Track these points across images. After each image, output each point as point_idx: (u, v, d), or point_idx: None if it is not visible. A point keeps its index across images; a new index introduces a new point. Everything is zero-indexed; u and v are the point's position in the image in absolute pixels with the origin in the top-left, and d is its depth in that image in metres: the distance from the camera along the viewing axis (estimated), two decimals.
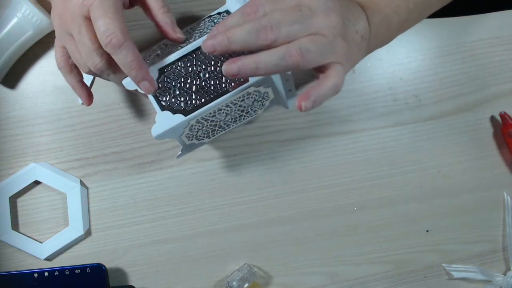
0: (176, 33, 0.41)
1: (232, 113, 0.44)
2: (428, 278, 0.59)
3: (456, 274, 0.58)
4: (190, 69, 0.41)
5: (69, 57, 0.42)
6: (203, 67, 0.41)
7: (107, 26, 0.36)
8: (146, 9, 0.42)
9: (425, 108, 0.58)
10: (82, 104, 0.53)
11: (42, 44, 0.51)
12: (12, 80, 0.52)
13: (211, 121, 0.44)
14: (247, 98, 0.43)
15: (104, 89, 0.53)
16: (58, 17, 0.40)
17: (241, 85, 0.41)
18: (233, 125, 0.47)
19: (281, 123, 0.56)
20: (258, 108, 0.46)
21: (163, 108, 0.42)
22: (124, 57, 0.37)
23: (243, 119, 0.47)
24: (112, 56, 0.38)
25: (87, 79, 0.53)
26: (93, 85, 0.53)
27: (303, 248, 0.57)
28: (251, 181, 0.56)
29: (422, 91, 0.58)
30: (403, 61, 0.58)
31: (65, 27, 0.39)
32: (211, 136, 0.46)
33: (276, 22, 0.35)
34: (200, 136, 0.45)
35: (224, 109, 0.43)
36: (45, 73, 0.53)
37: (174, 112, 0.41)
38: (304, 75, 0.56)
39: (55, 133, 0.53)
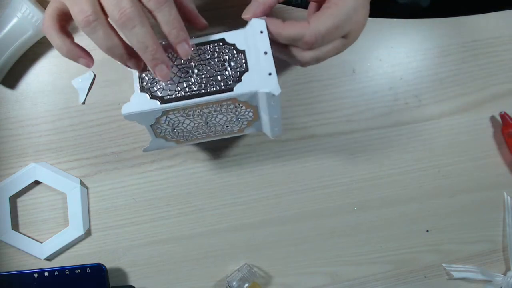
0: (202, 21, 0.41)
1: (209, 123, 0.44)
2: (428, 278, 0.59)
3: (456, 274, 0.58)
4: (183, 63, 0.41)
5: (62, 15, 0.38)
6: (195, 65, 0.41)
7: None
8: None
9: (425, 108, 0.58)
10: (82, 103, 0.53)
11: (42, 44, 0.52)
12: (12, 80, 0.52)
13: (183, 123, 0.43)
14: (227, 112, 0.42)
15: (104, 89, 0.53)
16: None
17: (224, 92, 0.40)
18: (207, 135, 0.46)
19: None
20: (237, 127, 0.45)
21: (142, 89, 0.41)
22: (168, 13, 0.35)
23: (220, 133, 0.46)
24: (153, 13, 0.35)
25: (87, 79, 0.53)
26: (93, 85, 0.53)
27: (303, 248, 0.57)
28: (251, 181, 0.56)
29: (422, 91, 0.58)
30: (403, 61, 0.58)
31: None
32: (181, 138, 0.45)
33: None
34: (168, 137, 0.45)
35: (200, 113, 0.42)
36: (45, 73, 0.53)
37: (152, 97, 0.40)
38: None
39: (55, 133, 0.53)
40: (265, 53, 0.40)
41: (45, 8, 0.50)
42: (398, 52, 0.58)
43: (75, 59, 0.39)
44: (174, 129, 0.44)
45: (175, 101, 0.40)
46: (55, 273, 0.51)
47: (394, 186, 0.58)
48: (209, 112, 0.42)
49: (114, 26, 0.36)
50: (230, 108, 0.42)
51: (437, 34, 0.58)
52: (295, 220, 0.57)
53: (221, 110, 0.42)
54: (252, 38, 0.41)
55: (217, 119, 0.44)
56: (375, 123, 0.57)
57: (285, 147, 0.56)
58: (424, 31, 0.58)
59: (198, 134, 0.46)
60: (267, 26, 0.40)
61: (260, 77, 0.40)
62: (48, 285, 0.51)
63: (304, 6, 0.63)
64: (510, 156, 0.59)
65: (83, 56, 0.39)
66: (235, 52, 0.41)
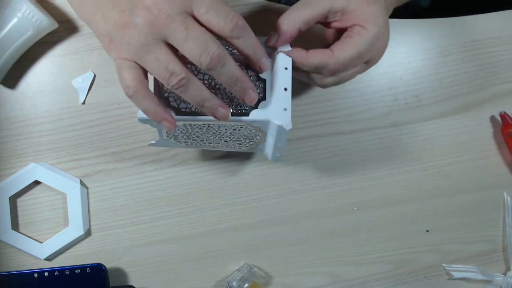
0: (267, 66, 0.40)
1: (218, 135, 0.44)
2: (428, 278, 0.59)
3: (456, 274, 0.58)
4: (206, 79, 0.41)
5: (144, 79, 0.37)
6: (215, 83, 0.41)
7: (226, 12, 0.35)
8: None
9: (425, 108, 0.58)
10: (82, 103, 0.53)
11: (42, 44, 0.51)
12: (12, 80, 0.52)
13: (196, 132, 0.44)
14: (238, 130, 0.43)
15: (104, 89, 0.53)
16: (145, 26, 0.35)
17: (240, 115, 0.41)
18: (212, 146, 0.47)
19: None
20: (243, 145, 0.46)
21: (160, 97, 0.41)
22: (248, 38, 0.37)
23: (225, 146, 0.47)
24: (236, 40, 0.36)
25: (87, 79, 0.53)
26: (93, 85, 0.53)
27: (303, 248, 0.57)
28: (251, 181, 0.56)
29: (422, 91, 0.58)
30: (403, 61, 0.58)
31: (157, 33, 0.35)
32: (188, 143, 0.46)
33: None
34: (178, 138, 0.45)
35: (213, 128, 0.43)
36: (45, 73, 0.53)
37: (168, 105, 0.41)
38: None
39: (55, 133, 0.53)
40: (285, 89, 0.41)
41: (45, 8, 0.50)
42: (398, 52, 0.58)
43: (160, 122, 0.39)
44: (184, 136, 0.45)
45: (190, 115, 0.41)
46: (55, 273, 0.51)
47: (394, 186, 0.58)
48: (219, 127, 0.43)
49: (202, 70, 0.37)
50: (241, 129, 0.43)
51: (437, 34, 0.58)
52: (295, 220, 0.57)
53: (232, 128, 0.43)
54: (275, 70, 0.41)
55: (226, 134, 0.44)
56: (375, 123, 0.57)
57: (285, 147, 0.56)
58: (424, 31, 0.58)
59: (205, 143, 0.46)
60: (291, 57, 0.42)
61: (276, 109, 0.41)
62: (48, 285, 0.51)
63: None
64: (510, 156, 0.59)
65: (168, 119, 0.39)
66: (257, 79, 0.42)
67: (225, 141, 0.46)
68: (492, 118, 0.59)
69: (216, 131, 0.44)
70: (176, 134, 0.45)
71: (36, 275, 0.51)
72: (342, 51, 0.41)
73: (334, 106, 0.57)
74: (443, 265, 0.59)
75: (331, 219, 0.57)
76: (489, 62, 0.59)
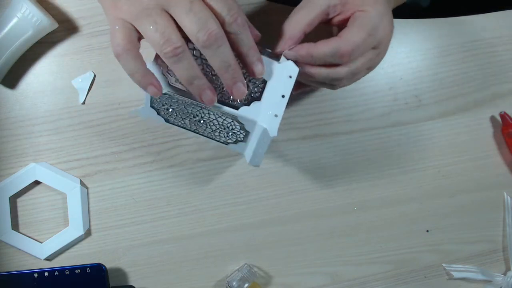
0: (255, 32, 0.41)
1: (202, 118, 0.44)
2: (428, 278, 0.59)
3: (456, 274, 0.58)
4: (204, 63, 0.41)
5: (136, 42, 0.37)
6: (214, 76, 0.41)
7: (232, 4, 0.35)
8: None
9: (425, 108, 0.58)
10: (82, 103, 0.53)
11: (42, 44, 0.52)
12: (12, 80, 0.52)
13: (181, 109, 0.43)
14: (223, 121, 0.43)
15: (104, 89, 0.53)
16: None
17: (228, 106, 0.40)
18: (195, 129, 0.46)
19: (281, 123, 0.56)
20: (224, 138, 0.46)
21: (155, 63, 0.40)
22: (245, 38, 0.37)
23: (207, 133, 0.46)
24: (232, 35, 0.36)
25: (87, 79, 0.53)
26: (93, 85, 0.53)
27: (303, 248, 0.57)
28: (251, 181, 0.56)
29: (422, 91, 0.58)
30: (403, 61, 0.58)
31: (160, 1, 0.35)
32: (170, 120, 0.45)
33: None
34: (162, 113, 0.44)
35: (199, 110, 0.42)
36: (45, 73, 0.53)
37: (162, 76, 0.40)
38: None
39: (55, 133, 0.53)
40: (283, 96, 0.41)
41: (45, 8, 0.50)
42: (398, 52, 0.58)
43: (145, 86, 0.37)
44: (169, 109, 0.44)
45: (182, 92, 0.40)
46: (55, 273, 0.51)
47: (394, 186, 0.58)
48: (208, 113, 0.43)
49: (198, 47, 0.36)
50: (227, 121, 0.43)
51: (437, 34, 0.58)
52: (295, 220, 0.57)
53: (219, 118, 0.43)
54: (279, 75, 0.41)
55: (212, 122, 0.44)
56: (375, 123, 0.57)
57: (285, 147, 0.56)
58: (424, 31, 0.58)
59: (188, 123, 0.46)
60: (297, 57, 0.41)
61: (267, 113, 0.40)
62: (48, 285, 0.51)
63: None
64: (510, 156, 0.59)
65: (154, 83, 0.37)
66: (262, 80, 0.41)
67: (208, 126, 0.45)
68: (492, 118, 0.59)
69: (202, 116, 0.43)
70: (159, 107, 0.44)
71: (36, 275, 0.51)
72: (351, 33, 0.40)
73: (334, 106, 0.57)
74: (443, 265, 0.59)
75: (331, 219, 0.57)
76: (489, 62, 0.59)
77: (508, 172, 0.60)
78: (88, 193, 0.54)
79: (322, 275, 0.57)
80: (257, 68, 0.39)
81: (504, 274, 0.59)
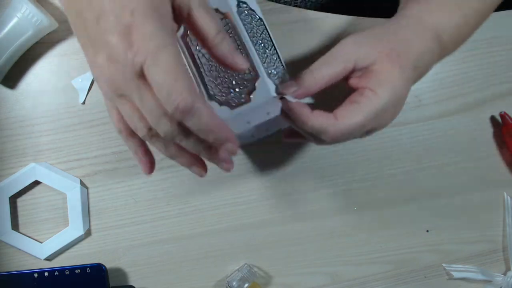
0: (238, 64, 0.34)
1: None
2: (428, 278, 0.59)
3: (456, 274, 0.58)
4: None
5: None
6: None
7: (169, 88, 0.29)
8: (197, 36, 0.34)
9: (425, 108, 0.58)
10: (82, 103, 0.53)
11: (42, 44, 0.52)
12: (12, 80, 0.52)
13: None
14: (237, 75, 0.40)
15: None
16: (105, 81, 0.32)
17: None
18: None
19: None
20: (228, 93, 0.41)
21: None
22: (197, 122, 0.31)
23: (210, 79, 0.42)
24: (184, 123, 0.31)
25: (87, 79, 0.53)
26: (93, 85, 0.53)
27: (303, 248, 0.57)
28: (251, 181, 0.56)
29: (422, 91, 0.58)
30: None
31: (117, 90, 0.31)
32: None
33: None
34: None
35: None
36: (45, 73, 0.53)
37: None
38: None
39: (55, 133, 0.53)
40: (248, 122, 0.40)
41: (45, 8, 0.50)
42: None
43: (138, 161, 0.39)
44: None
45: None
46: (55, 273, 0.51)
47: (394, 186, 0.58)
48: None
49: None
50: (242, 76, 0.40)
51: None
52: (295, 220, 0.57)
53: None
54: (261, 103, 0.39)
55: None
56: None
57: (285, 147, 0.56)
58: None
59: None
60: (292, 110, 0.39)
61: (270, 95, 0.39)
62: (48, 285, 0.51)
63: (304, 6, 0.63)
64: (510, 156, 0.59)
65: (143, 163, 0.39)
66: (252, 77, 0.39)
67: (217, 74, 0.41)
68: (492, 118, 0.59)
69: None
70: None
71: (36, 275, 0.51)
72: (346, 118, 0.38)
73: (335, 107, 0.57)
74: (443, 265, 0.59)
75: (331, 219, 0.57)
76: (489, 62, 0.59)
77: (508, 172, 0.60)
78: (88, 193, 0.54)
79: (322, 275, 0.57)
80: (224, 152, 0.34)
81: (504, 274, 0.59)
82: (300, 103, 0.39)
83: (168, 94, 0.29)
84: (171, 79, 0.29)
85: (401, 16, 0.41)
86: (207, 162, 0.37)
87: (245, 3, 0.42)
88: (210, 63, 0.40)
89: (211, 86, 0.40)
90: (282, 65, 0.44)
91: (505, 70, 0.59)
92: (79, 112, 0.53)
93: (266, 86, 0.38)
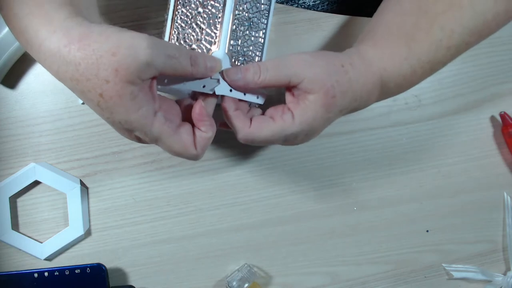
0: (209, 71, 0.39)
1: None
2: (428, 278, 0.59)
3: (456, 274, 0.58)
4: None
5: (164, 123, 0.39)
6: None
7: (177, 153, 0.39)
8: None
9: (425, 108, 0.58)
10: (82, 103, 0.53)
11: None
12: (12, 80, 0.52)
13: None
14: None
15: None
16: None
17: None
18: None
19: None
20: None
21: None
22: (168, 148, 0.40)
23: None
24: None
25: None
26: None
27: (303, 248, 0.57)
28: (251, 181, 0.56)
29: (422, 91, 0.58)
30: None
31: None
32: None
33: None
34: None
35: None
36: (45, 73, 0.52)
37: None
38: None
39: (55, 133, 0.53)
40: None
41: None
42: None
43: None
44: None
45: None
46: (55, 273, 0.51)
47: (394, 186, 0.58)
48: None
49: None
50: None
51: None
52: (295, 220, 0.57)
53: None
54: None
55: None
56: (375, 123, 0.57)
57: (285, 147, 0.56)
58: None
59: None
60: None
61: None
62: (48, 285, 0.51)
63: (306, 7, 0.63)
64: (510, 156, 0.59)
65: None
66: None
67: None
68: (492, 118, 0.59)
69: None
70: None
71: (36, 275, 0.51)
72: (257, 129, 0.41)
73: None
74: (443, 265, 0.59)
75: (331, 219, 0.57)
76: (489, 62, 0.59)
77: (508, 172, 0.60)
78: (88, 193, 0.54)
79: (322, 275, 0.57)
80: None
81: (504, 274, 0.59)
82: (230, 98, 0.41)
83: (145, 134, 0.38)
84: (172, 151, 0.39)
85: (357, 55, 0.42)
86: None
87: None
88: (188, 13, 0.41)
89: (177, 31, 0.42)
90: (261, 52, 0.44)
91: (505, 70, 0.59)
92: (79, 112, 0.53)
93: None
